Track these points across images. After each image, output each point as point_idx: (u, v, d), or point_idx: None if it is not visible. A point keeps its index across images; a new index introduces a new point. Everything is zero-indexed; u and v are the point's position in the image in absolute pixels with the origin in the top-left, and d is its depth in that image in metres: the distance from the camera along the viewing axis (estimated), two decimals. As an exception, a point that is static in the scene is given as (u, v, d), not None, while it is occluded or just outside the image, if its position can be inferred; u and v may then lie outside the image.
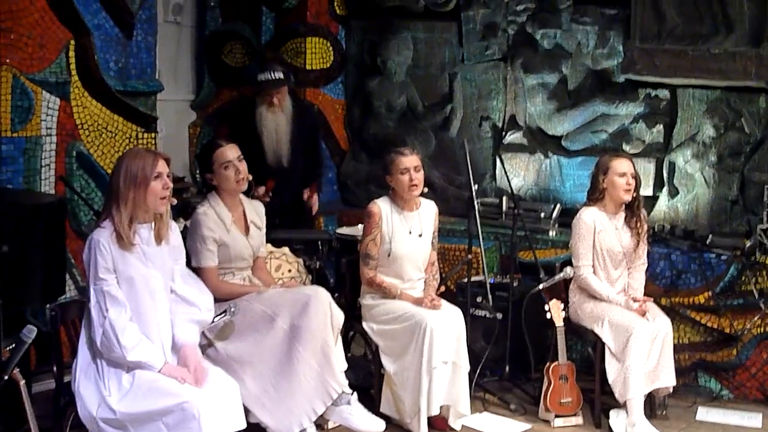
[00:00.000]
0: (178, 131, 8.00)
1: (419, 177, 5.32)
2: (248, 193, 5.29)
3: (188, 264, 4.92)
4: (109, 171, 6.13)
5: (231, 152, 5.06)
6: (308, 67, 7.78)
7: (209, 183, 5.10)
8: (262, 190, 6.23)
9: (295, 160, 6.72)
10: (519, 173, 7.28)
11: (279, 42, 7.82)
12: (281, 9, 7.82)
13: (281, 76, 6.60)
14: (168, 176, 4.19)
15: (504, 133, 7.39)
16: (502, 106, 7.43)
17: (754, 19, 6.26)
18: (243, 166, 5.07)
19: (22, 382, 3.83)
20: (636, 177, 5.48)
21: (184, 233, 4.98)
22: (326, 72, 7.90)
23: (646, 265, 5.65)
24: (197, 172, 7.82)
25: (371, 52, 7.92)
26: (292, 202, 6.73)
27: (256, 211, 5.27)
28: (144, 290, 4.15)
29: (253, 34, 7.92)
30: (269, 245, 5.58)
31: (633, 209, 5.50)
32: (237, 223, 5.11)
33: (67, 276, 5.87)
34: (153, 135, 6.58)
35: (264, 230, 5.31)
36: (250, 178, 5.13)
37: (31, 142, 5.81)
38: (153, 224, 4.22)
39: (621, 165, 5.44)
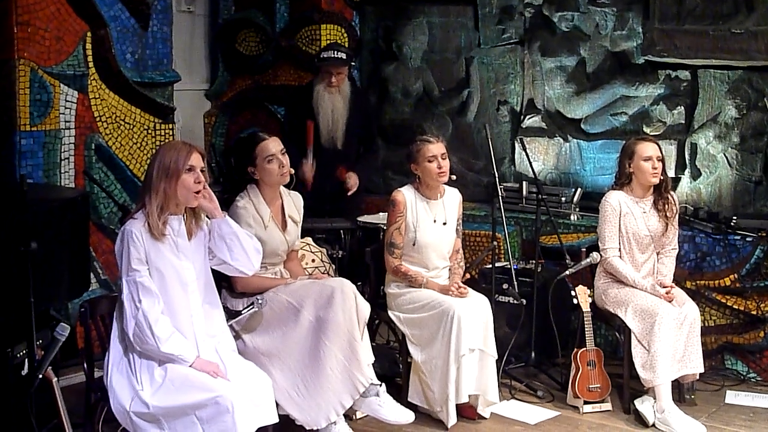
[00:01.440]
0: (193, 121, 7.97)
1: (446, 164, 5.31)
2: (289, 185, 5.24)
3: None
4: (128, 163, 6.24)
5: (274, 145, 5.00)
6: (323, 54, 7.73)
7: (251, 176, 5.05)
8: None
9: (349, 143, 6.70)
10: (538, 157, 7.24)
11: (293, 29, 7.77)
12: (295, -5, 7.79)
13: (344, 56, 6.64)
14: (202, 171, 4.16)
15: (522, 117, 7.35)
16: (519, 89, 7.37)
17: (776, -3, 6.22)
18: (286, 159, 5.02)
19: (55, 380, 3.84)
20: (662, 160, 5.44)
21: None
22: (352, 59, 7.85)
23: (677, 250, 5.62)
24: (214, 162, 7.81)
25: (386, 37, 7.87)
26: (342, 187, 6.72)
27: (294, 204, 5.21)
28: (175, 282, 4.14)
29: (267, 21, 7.86)
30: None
31: (661, 192, 5.47)
32: (275, 219, 5.07)
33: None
34: (171, 126, 6.57)
35: (301, 223, 5.27)
36: (293, 172, 5.10)
37: (50, 136, 5.82)
38: (184, 216, 4.21)
39: (646, 149, 5.41)
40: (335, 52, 6.64)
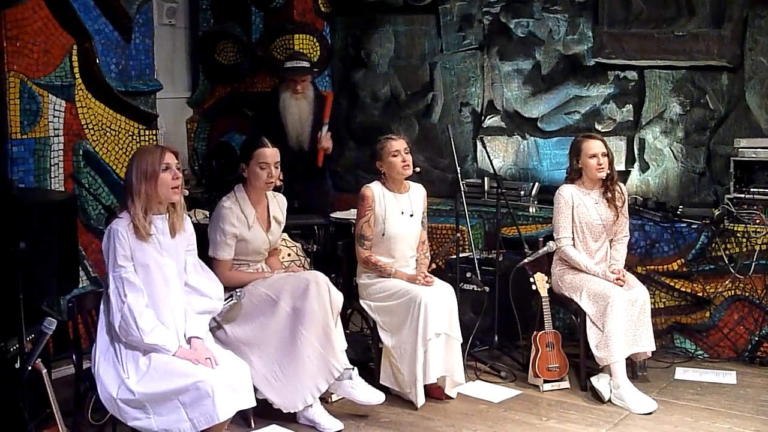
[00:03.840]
0: (176, 127, 7.94)
1: (409, 158, 5.33)
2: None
3: (204, 251, 4.92)
4: (115, 167, 6.20)
5: (272, 156, 4.99)
6: (297, 62, 7.71)
7: (241, 173, 5.03)
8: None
9: (315, 146, 6.69)
10: (499, 154, 7.25)
11: (268, 39, 7.74)
12: (269, 8, 7.74)
13: (307, 64, 6.69)
14: (177, 167, 4.17)
15: (483, 117, 7.35)
16: (480, 92, 7.38)
17: (714, 2, 6.22)
18: (277, 172, 5.00)
19: (45, 371, 3.81)
20: (608, 155, 5.46)
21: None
22: (314, 66, 7.84)
23: (628, 237, 5.64)
24: (196, 165, 7.78)
25: (355, 45, 7.86)
26: (312, 185, 6.71)
27: (279, 206, 5.20)
28: (159, 278, 4.13)
29: (244, 32, 7.85)
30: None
31: (608, 184, 5.49)
32: (259, 219, 5.05)
33: (80, 268, 5.86)
34: (154, 132, 6.53)
35: (283, 224, 5.25)
36: (280, 183, 5.10)
37: (40, 143, 5.78)
38: (167, 215, 4.20)
39: (591, 146, 5.44)
40: (299, 61, 6.66)
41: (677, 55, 6.36)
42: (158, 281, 4.13)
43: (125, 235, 4.05)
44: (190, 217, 5.73)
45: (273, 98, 6.75)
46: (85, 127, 6.04)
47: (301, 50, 7.52)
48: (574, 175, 5.53)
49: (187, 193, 4.28)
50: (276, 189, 5.30)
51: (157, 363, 4.02)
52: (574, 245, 5.49)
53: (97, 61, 6.03)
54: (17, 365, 4.37)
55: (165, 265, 4.16)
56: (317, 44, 7.78)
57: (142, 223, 4.06)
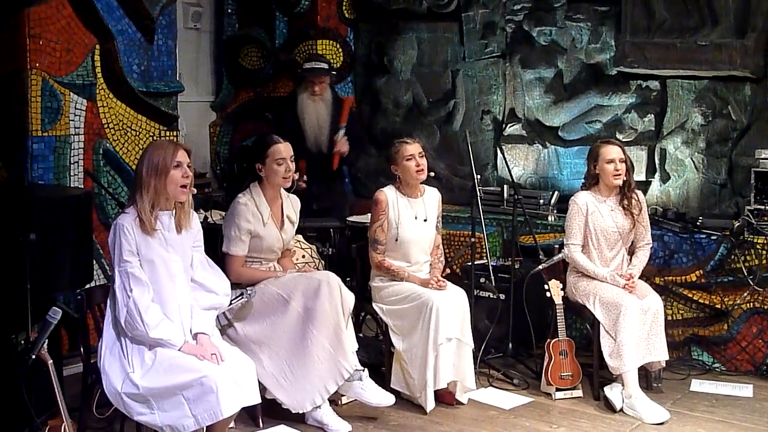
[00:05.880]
0: (199, 130, 7.99)
1: (424, 162, 5.30)
2: (289, 189, 5.22)
3: (219, 246, 4.94)
4: (134, 167, 6.15)
5: (286, 150, 5.00)
6: (320, 68, 7.73)
7: (257, 173, 5.03)
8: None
9: (333, 147, 6.67)
10: (519, 163, 7.22)
11: (292, 45, 7.78)
12: (293, 14, 7.78)
13: (325, 66, 6.66)
14: (188, 166, 4.15)
15: (504, 125, 7.32)
16: (501, 100, 7.35)
17: (738, 12, 6.17)
18: (293, 166, 5.02)
19: (50, 362, 3.81)
20: (626, 161, 5.41)
21: (204, 224, 4.95)
22: (336, 72, 7.85)
23: (651, 245, 5.57)
24: (218, 168, 7.81)
25: (378, 52, 7.86)
26: (329, 188, 6.70)
27: (292, 206, 5.21)
28: (165, 273, 4.12)
29: (268, 37, 7.89)
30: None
31: (625, 191, 5.43)
32: (274, 217, 5.05)
33: (97, 266, 5.88)
34: (175, 133, 6.55)
35: (297, 224, 5.25)
36: (296, 177, 5.10)
37: (61, 141, 5.81)
38: (174, 212, 4.19)
39: (609, 152, 5.38)
40: (317, 62, 6.65)
41: (700, 65, 6.31)
42: (164, 277, 4.12)
43: (131, 231, 4.04)
44: (207, 217, 5.79)
45: (291, 100, 6.75)
46: (105, 126, 6.07)
47: (323, 56, 7.54)
48: (591, 180, 5.48)
49: (195, 191, 4.25)
50: (299, 191, 5.30)
51: (162, 357, 4.01)
52: (588, 253, 5.45)
53: (119, 62, 6.04)
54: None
55: (170, 260, 4.15)
56: (340, 50, 7.80)
57: (147, 217, 4.05)
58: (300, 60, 7.58)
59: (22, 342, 4.33)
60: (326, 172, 6.65)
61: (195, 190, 4.26)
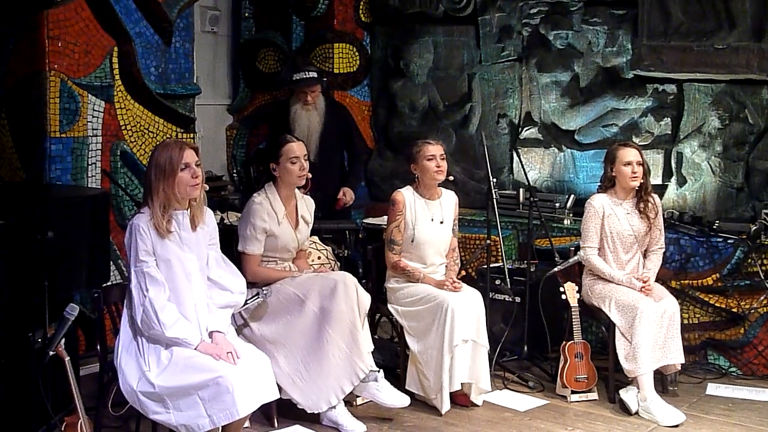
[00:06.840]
0: (216, 134, 8.01)
1: (444, 164, 5.30)
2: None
3: (234, 246, 4.95)
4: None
5: (300, 149, 5.03)
6: (336, 71, 7.76)
7: (271, 173, 5.04)
8: None
9: (325, 156, 6.62)
10: (535, 166, 7.21)
11: (308, 48, 7.80)
12: (310, 17, 7.81)
13: (315, 74, 6.57)
14: (197, 165, 4.12)
15: (520, 129, 7.32)
16: (518, 103, 7.35)
17: (756, 15, 6.14)
18: (307, 164, 5.04)
19: (67, 359, 3.83)
20: (643, 164, 5.39)
21: (220, 225, 4.97)
22: (353, 75, 7.88)
23: (664, 249, 5.55)
24: (235, 171, 7.83)
25: (394, 56, 7.87)
26: (324, 197, 6.68)
27: (307, 207, 5.23)
28: (180, 272, 4.12)
29: (285, 41, 7.91)
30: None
31: (641, 194, 5.41)
32: (289, 217, 5.07)
33: (114, 267, 5.90)
34: (192, 135, 6.57)
35: (311, 225, 5.27)
36: (310, 176, 5.10)
37: (78, 142, 5.83)
38: (188, 209, 4.19)
39: (626, 154, 5.36)
40: (307, 72, 6.55)
41: (717, 68, 6.28)
42: (180, 276, 4.12)
43: (146, 230, 4.05)
44: (224, 219, 5.80)
45: (284, 110, 6.68)
46: (123, 127, 6.09)
47: (340, 59, 7.56)
48: (608, 183, 5.46)
49: (207, 188, 4.25)
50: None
51: (178, 357, 4.01)
52: (603, 256, 5.43)
53: (137, 64, 6.06)
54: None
55: (186, 259, 4.15)
56: (357, 54, 7.82)
57: (159, 222, 4.04)
58: (317, 64, 7.59)
59: (39, 339, 4.36)
60: (318, 182, 6.59)
61: (207, 186, 4.26)
